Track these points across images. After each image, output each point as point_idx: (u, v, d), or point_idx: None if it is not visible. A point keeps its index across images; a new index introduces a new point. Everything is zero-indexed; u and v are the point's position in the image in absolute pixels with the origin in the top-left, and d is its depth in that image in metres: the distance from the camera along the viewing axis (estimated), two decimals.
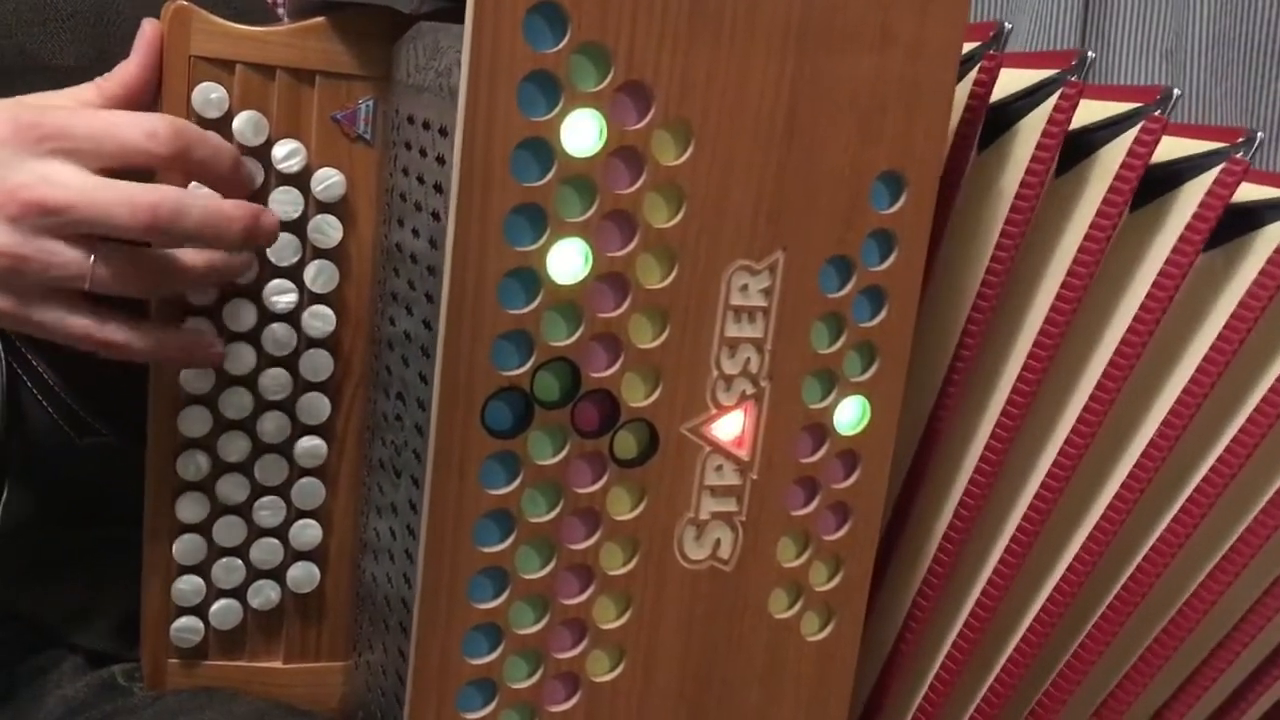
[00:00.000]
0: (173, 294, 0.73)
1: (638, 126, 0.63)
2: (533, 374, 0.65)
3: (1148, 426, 0.75)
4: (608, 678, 0.72)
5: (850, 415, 0.73)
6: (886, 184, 0.70)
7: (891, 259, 0.71)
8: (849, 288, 0.70)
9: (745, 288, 0.68)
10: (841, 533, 0.75)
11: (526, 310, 0.64)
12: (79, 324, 0.67)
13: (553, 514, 0.68)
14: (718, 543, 0.72)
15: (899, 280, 0.71)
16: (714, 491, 0.71)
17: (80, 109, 0.67)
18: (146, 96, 0.71)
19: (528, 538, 0.68)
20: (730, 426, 0.70)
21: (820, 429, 0.73)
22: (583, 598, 0.70)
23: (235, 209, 0.68)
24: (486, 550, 0.67)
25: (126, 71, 0.71)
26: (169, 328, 0.73)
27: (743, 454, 0.71)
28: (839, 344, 0.71)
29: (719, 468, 0.70)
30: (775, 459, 0.72)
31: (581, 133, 0.63)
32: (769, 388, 0.70)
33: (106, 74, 0.71)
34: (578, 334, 0.65)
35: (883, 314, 0.72)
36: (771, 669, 0.75)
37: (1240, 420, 0.73)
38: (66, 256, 0.65)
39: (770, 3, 0.64)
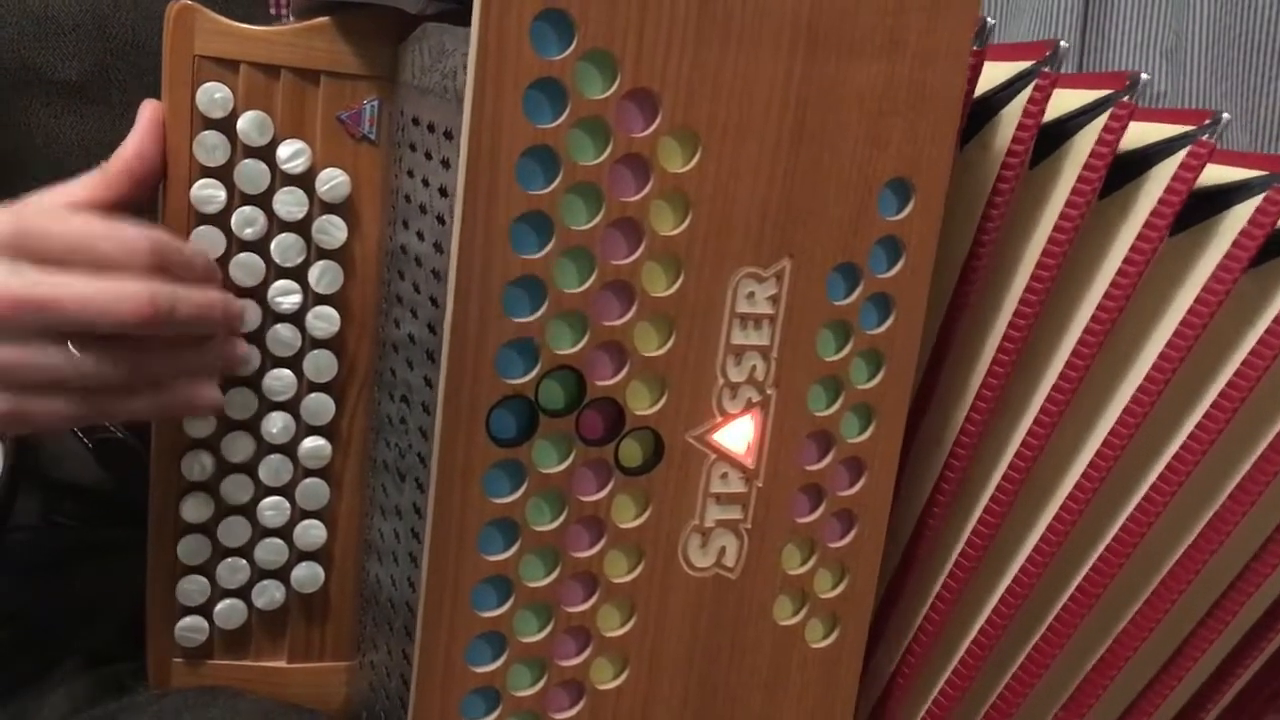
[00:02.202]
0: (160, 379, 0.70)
1: (644, 134, 0.63)
2: (538, 382, 0.65)
3: (1112, 411, 0.75)
4: (612, 685, 0.72)
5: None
6: (895, 191, 0.69)
7: (899, 266, 0.70)
8: (856, 295, 0.70)
9: (751, 295, 0.67)
10: (847, 540, 0.75)
11: (532, 319, 0.64)
12: (74, 410, 0.66)
13: (557, 522, 0.68)
14: (723, 550, 0.72)
15: (906, 288, 0.71)
16: (719, 499, 0.70)
17: (56, 212, 0.65)
18: (152, 177, 0.71)
19: (532, 546, 0.67)
20: (736, 434, 0.70)
21: (826, 436, 0.72)
22: (587, 605, 0.70)
23: (217, 296, 0.69)
24: (491, 558, 0.67)
25: (128, 154, 0.70)
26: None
27: (748, 462, 0.70)
28: (845, 351, 0.71)
29: (724, 475, 0.70)
30: (781, 466, 0.71)
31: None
32: (775, 395, 0.70)
33: (108, 161, 0.70)
34: (583, 342, 0.65)
35: (890, 321, 0.71)
36: (776, 676, 0.75)
37: (1205, 405, 0.73)
38: (47, 355, 0.63)
39: (777, 9, 0.63)
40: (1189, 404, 0.73)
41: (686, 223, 0.65)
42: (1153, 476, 0.75)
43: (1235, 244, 0.69)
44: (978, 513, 0.78)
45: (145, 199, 0.71)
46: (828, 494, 0.73)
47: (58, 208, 0.65)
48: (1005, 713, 0.82)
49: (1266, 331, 0.70)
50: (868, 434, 0.73)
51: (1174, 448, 0.74)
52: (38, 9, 0.80)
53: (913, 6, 0.66)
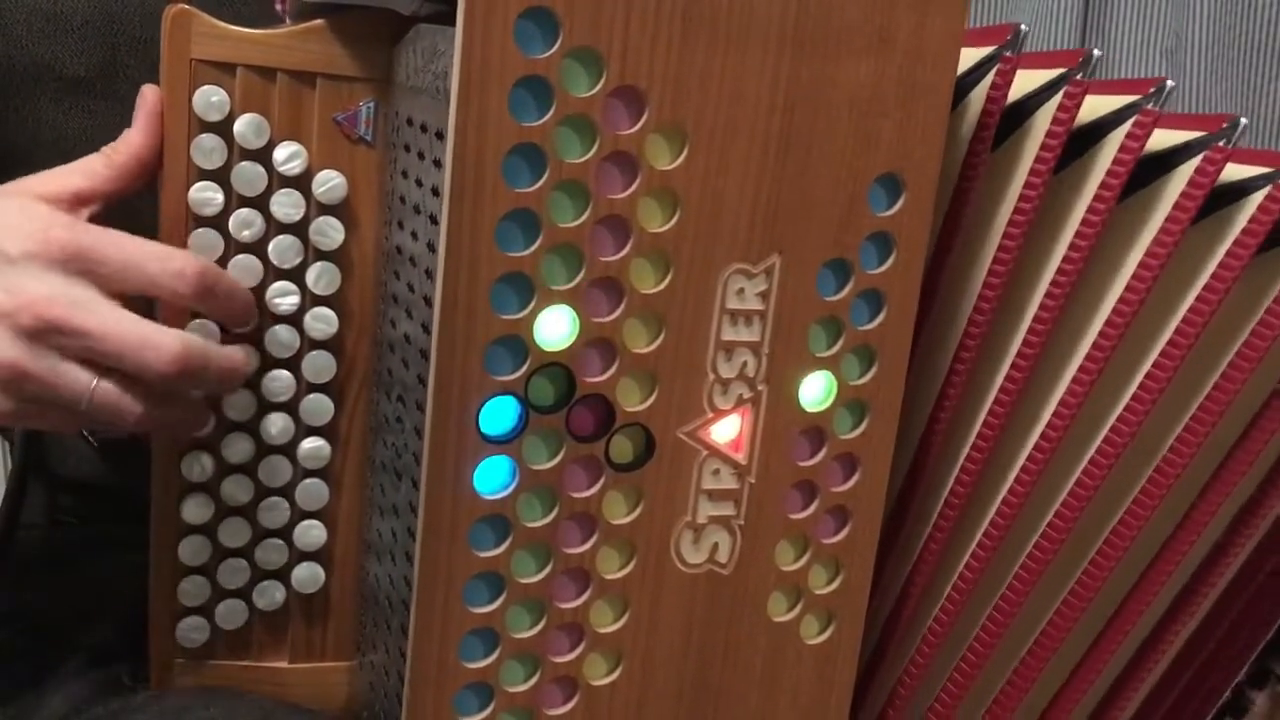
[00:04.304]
0: (163, 429, 0.73)
1: (631, 131, 0.63)
2: (527, 379, 0.65)
3: (1069, 371, 0.76)
4: (605, 681, 0.72)
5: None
6: (885, 187, 0.69)
7: (890, 262, 0.70)
8: (847, 291, 0.70)
9: (741, 291, 0.68)
10: (841, 536, 0.75)
11: (520, 316, 0.64)
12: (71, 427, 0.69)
13: (549, 518, 0.68)
14: (715, 546, 0.72)
15: (897, 283, 0.71)
16: (711, 495, 0.71)
17: (112, 234, 0.67)
18: (154, 162, 0.72)
19: (523, 542, 0.68)
20: (727, 430, 0.70)
21: (818, 432, 0.72)
22: (579, 602, 0.70)
23: (243, 356, 0.71)
24: (482, 555, 0.67)
25: (133, 141, 0.71)
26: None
27: (740, 458, 0.70)
28: (837, 347, 0.71)
29: (716, 472, 0.70)
30: (773, 462, 0.71)
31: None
32: (766, 391, 0.70)
33: (113, 144, 0.71)
34: (573, 339, 0.65)
35: (881, 317, 0.71)
36: (771, 672, 0.75)
37: (1147, 365, 0.74)
38: (70, 379, 0.65)
39: (765, 5, 0.64)
40: (1141, 357, 0.74)
41: (675, 220, 0.65)
42: (1105, 431, 0.76)
43: (1176, 206, 0.71)
44: (949, 484, 0.79)
45: (144, 188, 0.72)
46: (821, 490, 0.73)
47: (115, 232, 0.67)
48: (964, 685, 0.83)
49: (1212, 275, 0.72)
50: (860, 430, 0.73)
51: (1126, 398, 0.75)
52: (47, 6, 0.81)
53: (902, 4, 0.66)
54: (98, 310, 0.64)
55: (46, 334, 0.63)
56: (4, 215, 0.65)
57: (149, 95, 0.72)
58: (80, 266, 0.64)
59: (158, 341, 0.65)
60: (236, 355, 0.71)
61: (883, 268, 0.70)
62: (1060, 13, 1.16)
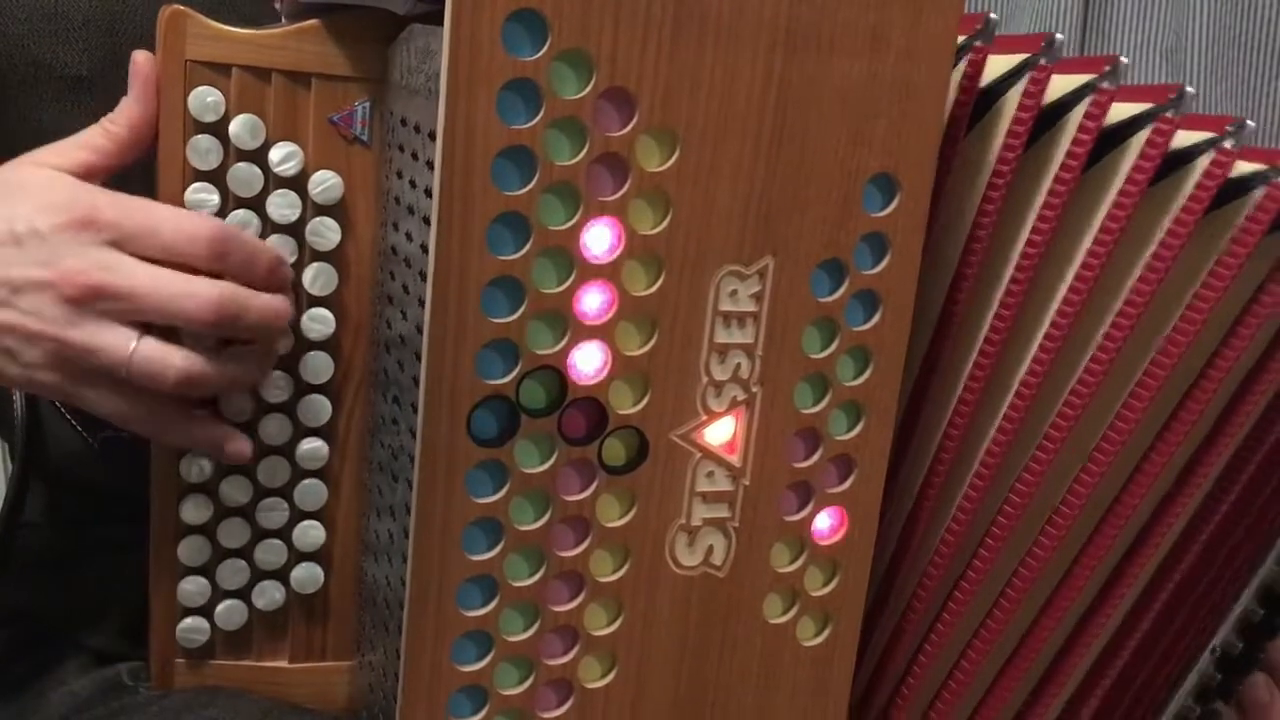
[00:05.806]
0: (203, 394, 0.73)
1: (621, 133, 0.63)
2: (518, 382, 0.65)
3: (1032, 349, 0.76)
4: (600, 684, 0.72)
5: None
6: (879, 187, 0.69)
7: (885, 262, 0.70)
8: (841, 292, 0.70)
9: (734, 293, 0.67)
10: (837, 538, 0.74)
11: (511, 319, 0.64)
12: (118, 407, 0.70)
13: (541, 522, 0.67)
14: (710, 549, 0.71)
15: (893, 283, 0.70)
16: (705, 498, 0.70)
17: (129, 201, 0.68)
18: (151, 132, 0.72)
19: (516, 545, 0.67)
20: (721, 432, 0.70)
21: (813, 434, 0.72)
22: (573, 604, 0.70)
23: (281, 302, 0.71)
24: (474, 558, 0.67)
25: (130, 112, 0.71)
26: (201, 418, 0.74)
27: (734, 460, 0.70)
28: (832, 348, 0.70)
29: (710, 474, 0.70)
30: (767, 464, 0.71)
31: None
32: (760, 393, 0.69)
33: (111, 116, 0.72)
34: (563, 342, 0.65)
35: (876, 318, 0.71)
36: (767, 674, 0.75)
37: (1105, 328, 0.75)
38: (111, 343, 0.66)
39: (756, 7, 0.63)
40: (1100, 321, 0.75)
41: (666, 221, 0.65)
42: (1067, 392, 0.76)
43: (1128, 179, 0.72)
44: (927, 464, 0.79)
45: (143, 157, 0.73)
46: (816, 491, 0.73)
47: (135, 199, 0.68)
48: (926, 666, 0.83)
49: (1161, 243, 0.72)
50: (856, 431, 0.73)
51: (1084, 363, 0.76)
52: (48, 6, 0.81)
53: (896, 3, 0.66)
54: (133, 271, 0.66)
55: (89, 301, 0.65)
56: (33, 188, 0.67)
57: (142, 62, 0.72)
58: (108, 236, 0.66)
59: (195, 290, 0.67)
60: (275, 301, 0.71)
61: (878, 268, 0.70)
62: (1060, 13, 1.14)
